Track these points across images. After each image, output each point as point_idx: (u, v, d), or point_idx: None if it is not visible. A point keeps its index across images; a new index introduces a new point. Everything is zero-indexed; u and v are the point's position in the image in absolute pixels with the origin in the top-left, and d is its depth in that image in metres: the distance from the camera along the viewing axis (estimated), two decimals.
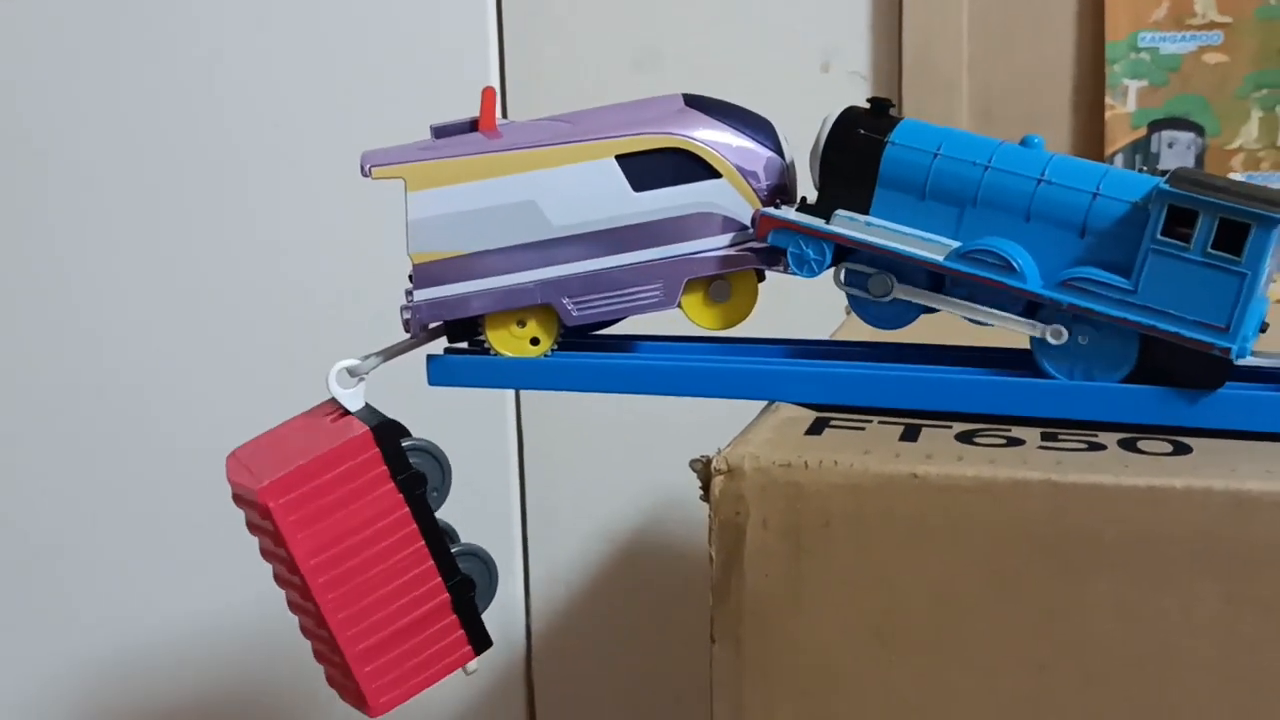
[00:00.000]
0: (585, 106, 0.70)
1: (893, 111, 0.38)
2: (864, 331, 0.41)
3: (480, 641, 0.40)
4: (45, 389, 0.78)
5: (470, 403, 0.74)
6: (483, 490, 0.75)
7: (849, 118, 0.38)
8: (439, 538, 0.39)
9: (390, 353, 0.40)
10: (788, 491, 0.33)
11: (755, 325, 0.40)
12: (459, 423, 0.74)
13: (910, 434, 0.36)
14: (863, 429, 0.36)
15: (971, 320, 0.38)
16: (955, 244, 0.37)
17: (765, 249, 0.39)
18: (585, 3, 0.72)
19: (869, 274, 0.38)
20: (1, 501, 0.79)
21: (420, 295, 0.39)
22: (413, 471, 0.38)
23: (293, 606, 0.39)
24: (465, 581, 0.39)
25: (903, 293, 0.38)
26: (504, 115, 0.73)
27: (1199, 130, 0.72)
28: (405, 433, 0.39)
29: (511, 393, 0.74)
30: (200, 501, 0.78)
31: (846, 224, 0.37)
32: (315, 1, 0.73)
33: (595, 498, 0.74)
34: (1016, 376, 0.37)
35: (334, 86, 0.72)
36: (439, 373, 0.41)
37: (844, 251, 0.38)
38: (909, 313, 0.38)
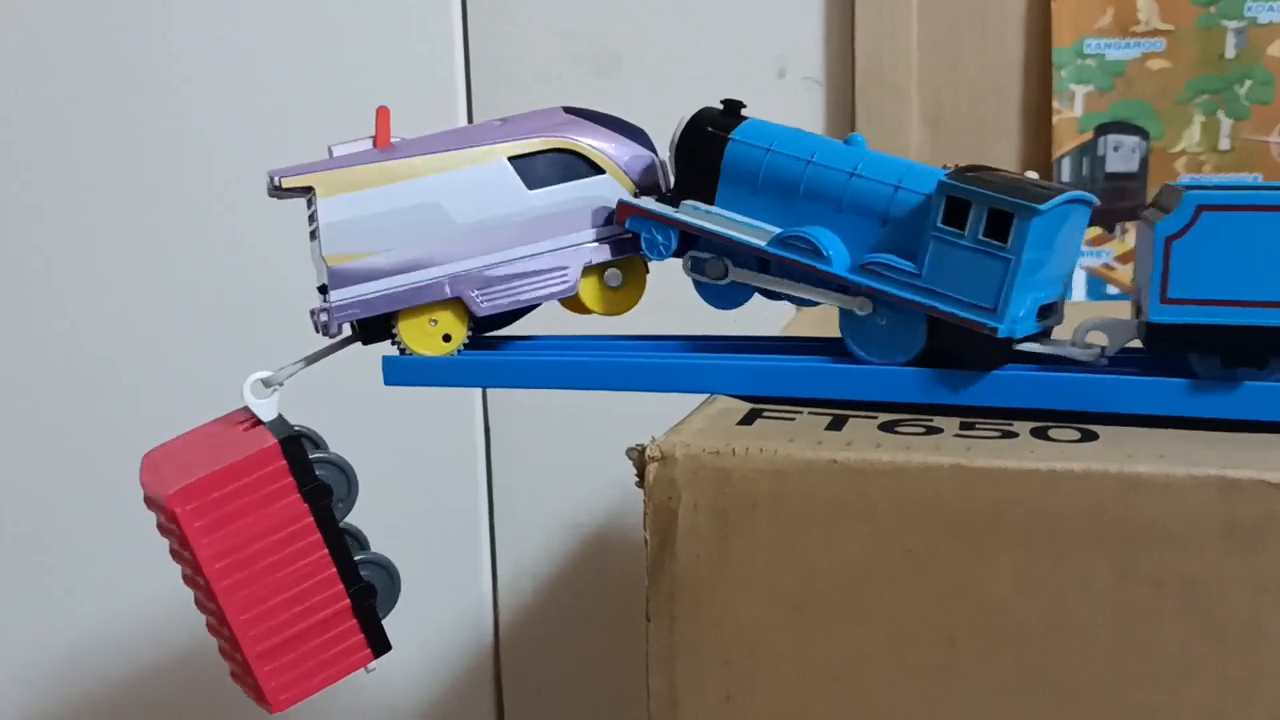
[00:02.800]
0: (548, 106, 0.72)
1: (745, 112, 0.42)
2: (812, 327, 0.44)
3: (379, 644, 0.42)
4: (30, 375, 0.79)
5: (437, 400, 0.76)
6: (450, 486, 0.77)
7: (701, 118, 0.42)
8: (342, 546, 0.41)
9: (310, 359, 0.42)
10: (716, 476, 0.35)
11: (713, 323, 0.43)
12: (426, 420, 0.76)
13: (836, 424, 0.38)
14: (793, 419, 0.38)
15: (793, 299, 0.41)
16: (778, 231, 0.40)
17: None
18: (547, 10, 0.74)
19: (706, 259, 0.42)
20: None
21: (335, 296, 0.41)
22: (318, 483, 0.40)
23: (199, 606, 0.41)
24: (366, 589, 0.41)
25: (736, 276, 0.41)
26: (470, 111, 0.75)
27: (1144, 134, 0.75)
28: (316, 444, 0.41)
29: (478, 389, 0.76)
30: None
31: (689, 212, 0.42)
32: (285, 4, 0.75)
33: (560, 492, 0.76)
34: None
35: (300, 92, 0.74)
36: (394, 373, 0.43)
37: (692, 239, 0.42)
38: (743, 294, 0.42)
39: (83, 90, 0.76)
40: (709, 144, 0.41)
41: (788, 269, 0.41)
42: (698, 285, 0.42)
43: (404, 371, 0.43)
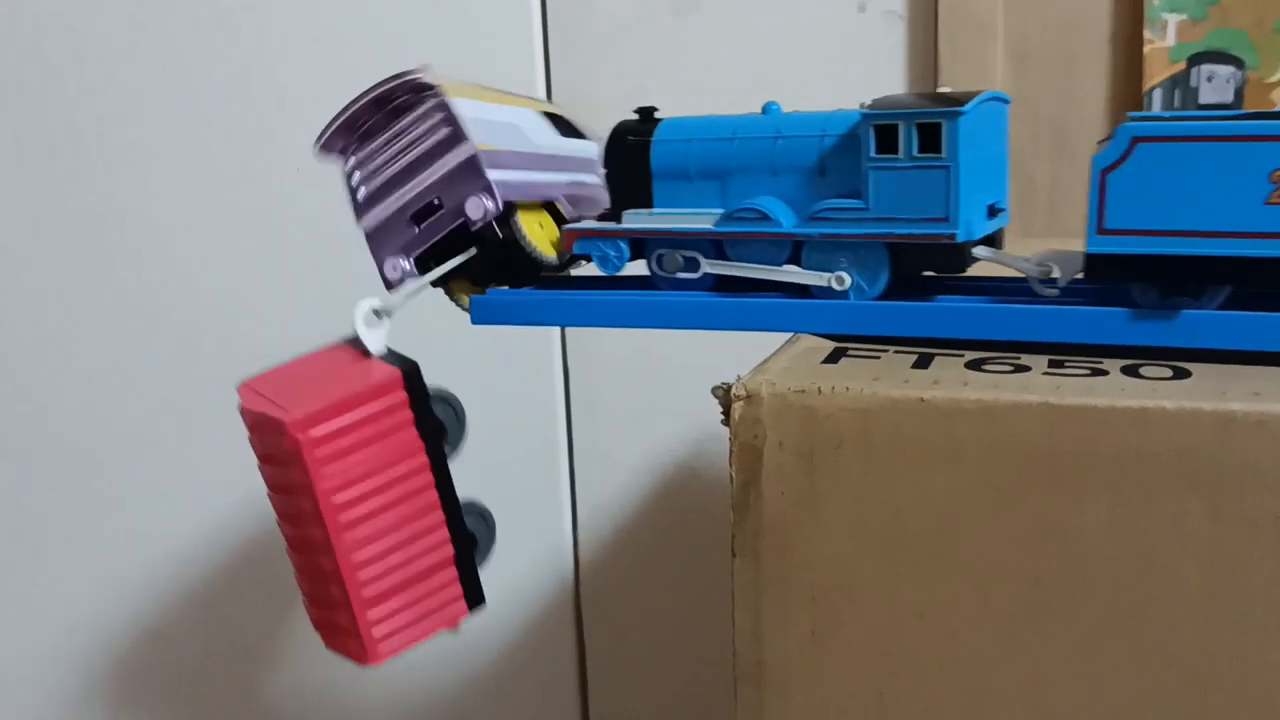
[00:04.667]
0: (628, 49, 0.71)
1: (658, 114, 0.44)
2: None
3: (475, 598, 0.40)
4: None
5: (517, 343, 0.76)
6: (531, 427, 0.78)
7: (619, 131, 0.44)
8: (451, 490, 0.39)
9: (424, 284, 0.43)
10: (801, 415, 0.35)
11: None
12: (507, 363, 0.76)
13: (922, 362, 0.38)
14: (878, 358, 0.38)
15: (757, 279, 0.42)
16: (721, 211, 0.42)
17: None
18: None
19: (662, 256, 0.43)
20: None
21: (494, 175, 0.42)
22: (436, 419, 0.39)
23: (293, 545, 0.39)
24: (470, 537, 0.40)
25: (692, 264, 0.43)
26: (546, 54, 0.75)
27: (1239, 64, 0.72)
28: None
29: (557, 330, 0.77)
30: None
31: (632, 219, 0.43)
32: None
33: (639, 433, 0.77)
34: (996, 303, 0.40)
35: (380, 38, 0.74)
36: (481, 312, 0.44)
37: (644, 244, 0.44)
38: (705, 281, 0.43)
39: (166, 50, 0.77)
40: (634, 152, 0.43)
41: (742, 247, 0.42)
42: (661, 283, 0.44)
43: (491, 310, 0.44)
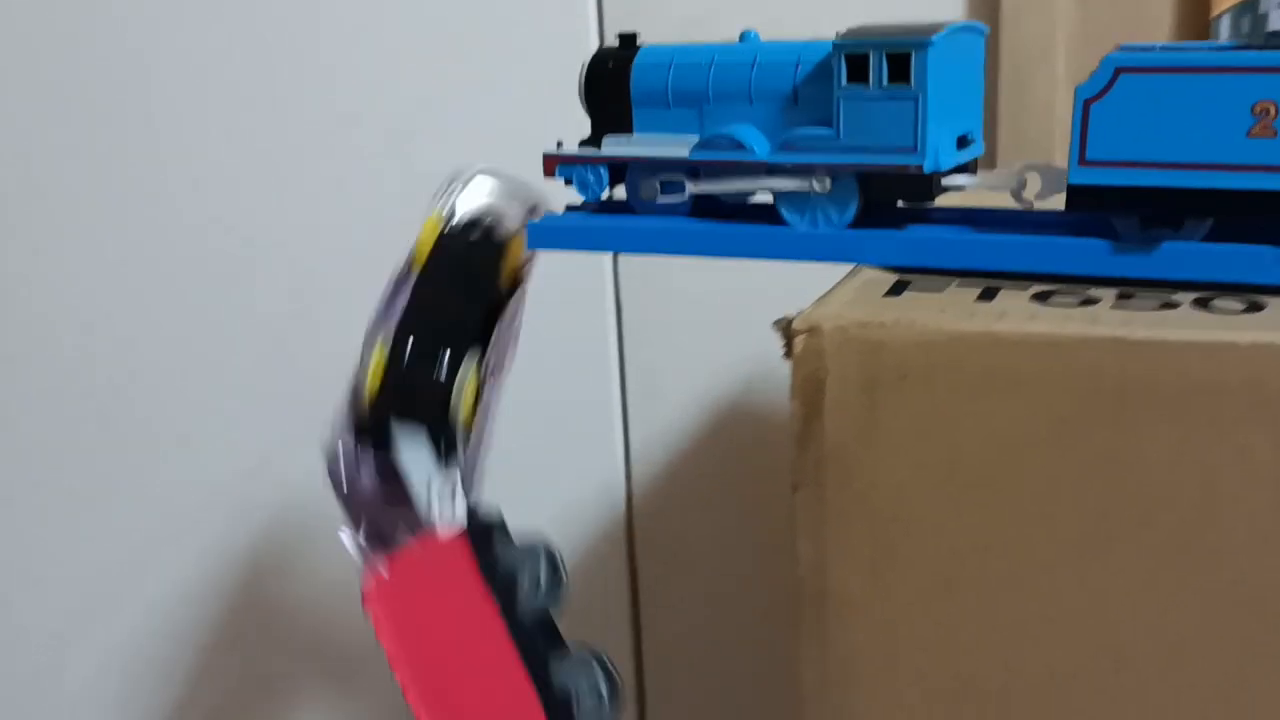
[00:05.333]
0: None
1: (640, 42, 0.44)
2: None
3: None
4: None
5: (568, 275, 0.76)
6: (583, 360, 0.78)
7: (600, 56, 0.44)
8: (534, 644, 0.37)
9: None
10: (865, 348, 0.35)
11: None
12: (558, 296, 0.76)
13: (987, 295, 0.37)
14: (941, 291, 0.38)
15: (728, 196, 0.43)
16: (697, 138, 0.43)
17: None
18: None
19: (640, 182, 0.44)
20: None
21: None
22: (504, 572, 0.38)
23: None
24: (561, 702, 0.36)
25: (670, 190, 0.43)
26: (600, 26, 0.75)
27: None
28: (502, 528, 0.39)
29: (609, 264, 0.77)
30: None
31: (611, 145, 0.44)
32: None
33: (692, 366, 0.77)
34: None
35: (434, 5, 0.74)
36: (538, 237, 0.45)
37: (623, 170, 0.44)
38: (684, 206, 0.44)
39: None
40: (614, 77, 0.44)
41: (717, 171, 0.43)
42: (640, 207, 0.44)
43: (549, 235, 0.45)
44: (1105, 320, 0.34)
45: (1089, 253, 0.38)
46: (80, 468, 0.87)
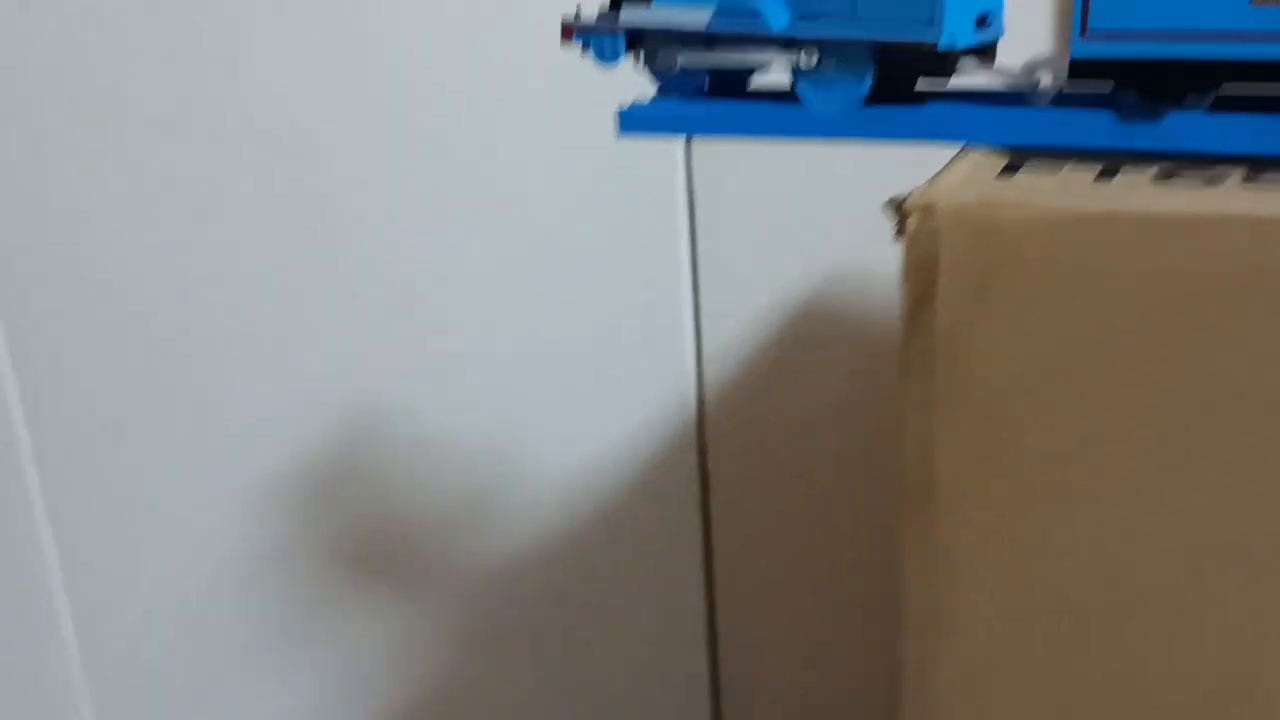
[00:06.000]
0: None
1: None
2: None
3: None
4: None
5: (638, 172, 0.75)
6: (653, 262, 0.77)
7: None
8: None
9: None
10: (980, 229, 0.34)
11: None
12: (626, 192, 0.75)
13: (1106, 175, 0.36)
14: (1056, 172, 0.37)
15: (742, 67, 0.43)
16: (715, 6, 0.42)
17: None
18: None
19: (656, 51, 0.44)
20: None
21: None
22: None
23: None
24: None
25: (687, 61, 0.43)
26: None
27: None
28: None
29: (681, 162, 0.75)
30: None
31: (629, 12, 0.43)
32: None
33: (769, 269, 0.75)
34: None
35: None
36: (630, 123, 0.44)
37: (639, 39, 0.44)
38: (699, 78, 0.44)
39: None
40: None
41: (734, 43, 0.42)
42: (655, 80, 0.44)
43: (640, 121, 0.44)
44: (1236, 200, 0.32)
45: (1093, 126, 0.37)
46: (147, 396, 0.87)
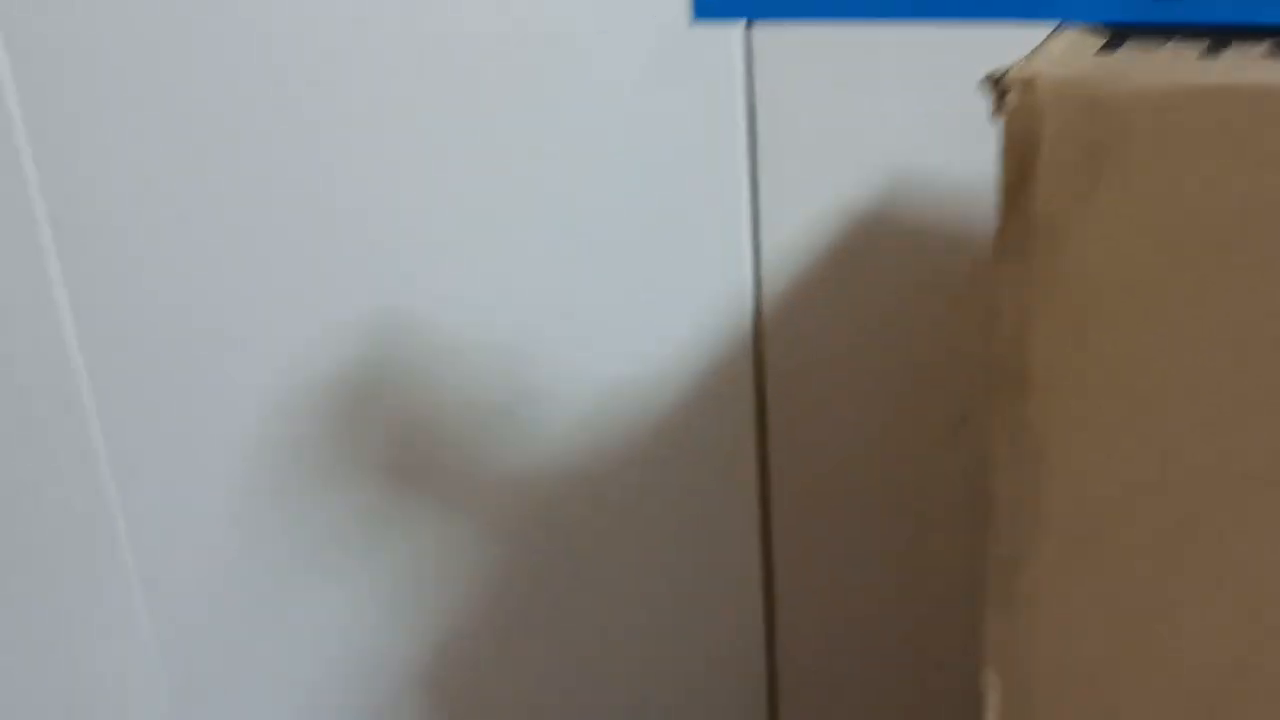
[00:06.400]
0: None
1: None
2: None
3: None
4: None
5: (695, 72, 0.73)
6: (708, 170, 0.75)
7: None
8: None
9: None
10: (1085, 104, 0.33)
11: None
12: (682, 97, 0.74)
13: (1214, 49, 0.34)
14: (1159, 48, 0.35)
15: None
16: None
17: None
18: None
19: None
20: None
21: None
22: None
23: None
24: None
25: None
26: None
27: None
28: None
29: (741, 59, 0.73)
30: None
31: None
32: None
33: (831, 173, 0.74)
34: None
35: None
36: (705, 7, 0.42)
37: None
38: None
39: None
40: None
41: None
42: None
43: (717, 5, 0.42)
44: None
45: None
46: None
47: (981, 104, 0.64)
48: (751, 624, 0.86)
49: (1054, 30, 0.38)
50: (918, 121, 0.72)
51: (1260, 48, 0.34)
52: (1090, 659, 0.37)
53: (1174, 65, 0.33)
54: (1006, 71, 0.33)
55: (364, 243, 0.84)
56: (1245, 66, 0.32)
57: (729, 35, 0.71)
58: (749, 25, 0.69)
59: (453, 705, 0.97)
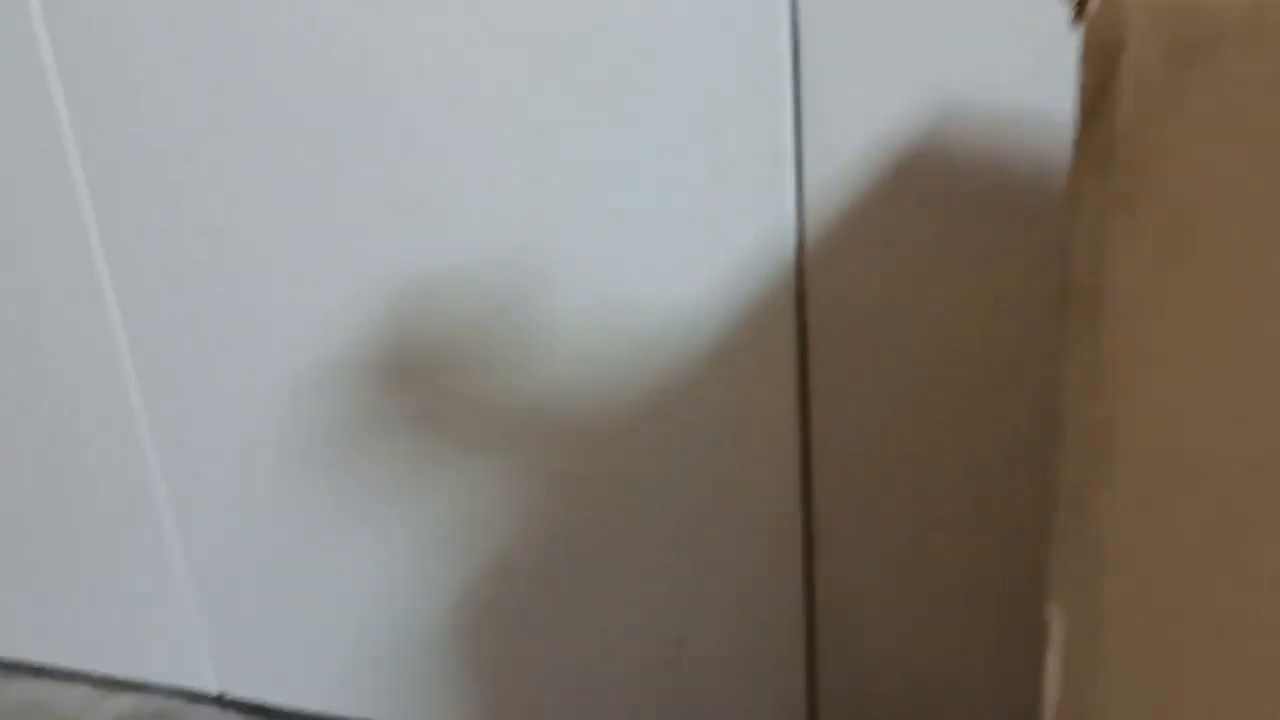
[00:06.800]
0: None
1: None
2: None
3: None
4: None
5: None
6: (750, 84, 0.73)
7: None
8: None
9: None
10: (1172, 5, 0.31)
11: None
12: (725, 19, 0.71)
13: None
14: None
15: None
16: None
17: None
18: None
19: None
20: None
21: None
22: None
23: None
24: None
25: None
26: None
27: None
28: None
29: None
30: None
31: None
32: None
33: (879, 100, 0.72)
34: None
35: None
36: None
37: None
38: None
39: None
40: None
41: None
42: None
43: None
44: None
45: None
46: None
47: (1036, 28, 0.62)
48: (789, 558, 0.85)
49: None
50: (967, 49, 0.70)
51: None
52: (1161, 596, 0.35)
53: None
54: None
55: (403, 184, 0.82)
56: None
57: None
58: None
59: (491, 646, 0.97)
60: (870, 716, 0.88)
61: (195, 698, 1.08)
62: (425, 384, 0.88)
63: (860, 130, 0.73)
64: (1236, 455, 0.34)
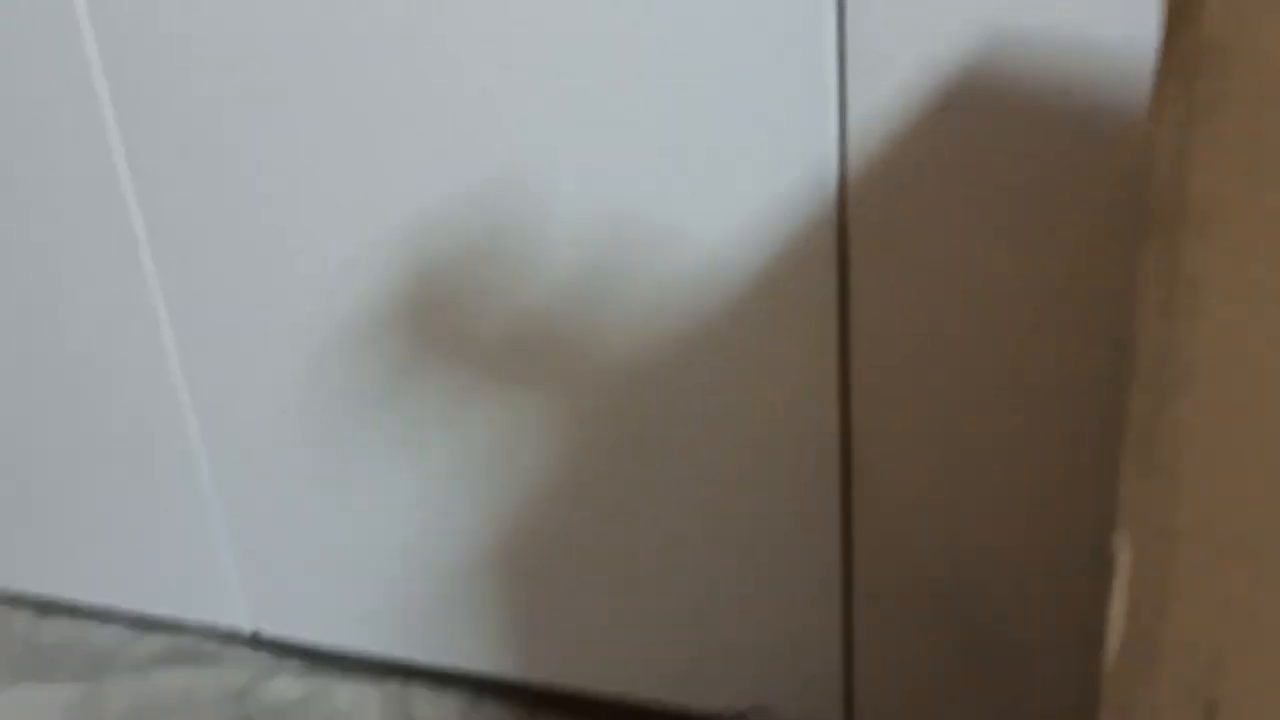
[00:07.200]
0: None
1: None
2: None
3: None
4: None
5: None
6: (791, 7, 0.71)
7: None
8: None
9: None
10: None
11: None
12: None
13: None
14: None
15: None
16: None
17: None
18: None
19: None
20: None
21: None
22: None
23: None
24: None
25: None
26: None
27: None
28: None
29: None
30: None
31: None
32: None
33: (925, 26, 0.69)
34: None
35: None
36: None
37: None
38: None
39: None
40: None
41: None
42: None
43: None
44: None
45: None
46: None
47: None
48: (828, 492, 0.85)
49: None
50: None
51: None
52: (1237, 528, 0.34)
53: None
54: None
55: (442, 117, 0.81)
56: None
57: None
58: None
59: (526, 584, 0.97)
60: (908, 651, 0.88)
61: (229, 636, 1.09)
62: (461, 317, 0.87)
63: (906, 58, 0.72)
64: None
